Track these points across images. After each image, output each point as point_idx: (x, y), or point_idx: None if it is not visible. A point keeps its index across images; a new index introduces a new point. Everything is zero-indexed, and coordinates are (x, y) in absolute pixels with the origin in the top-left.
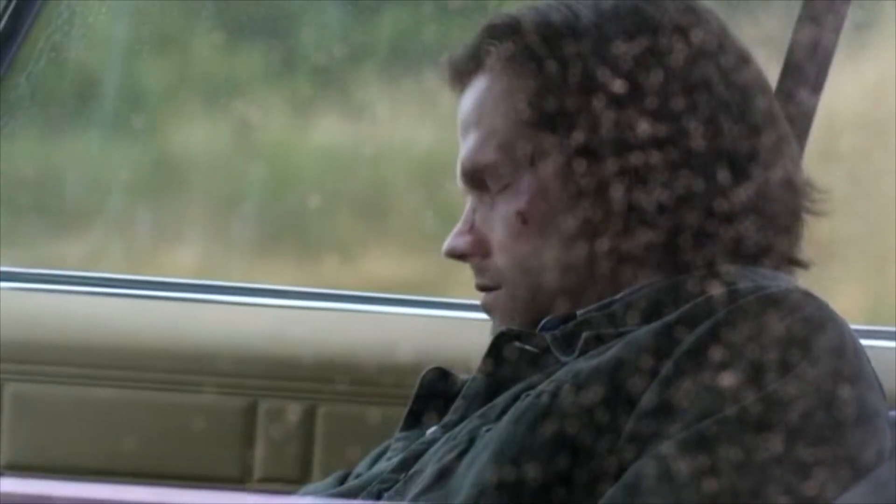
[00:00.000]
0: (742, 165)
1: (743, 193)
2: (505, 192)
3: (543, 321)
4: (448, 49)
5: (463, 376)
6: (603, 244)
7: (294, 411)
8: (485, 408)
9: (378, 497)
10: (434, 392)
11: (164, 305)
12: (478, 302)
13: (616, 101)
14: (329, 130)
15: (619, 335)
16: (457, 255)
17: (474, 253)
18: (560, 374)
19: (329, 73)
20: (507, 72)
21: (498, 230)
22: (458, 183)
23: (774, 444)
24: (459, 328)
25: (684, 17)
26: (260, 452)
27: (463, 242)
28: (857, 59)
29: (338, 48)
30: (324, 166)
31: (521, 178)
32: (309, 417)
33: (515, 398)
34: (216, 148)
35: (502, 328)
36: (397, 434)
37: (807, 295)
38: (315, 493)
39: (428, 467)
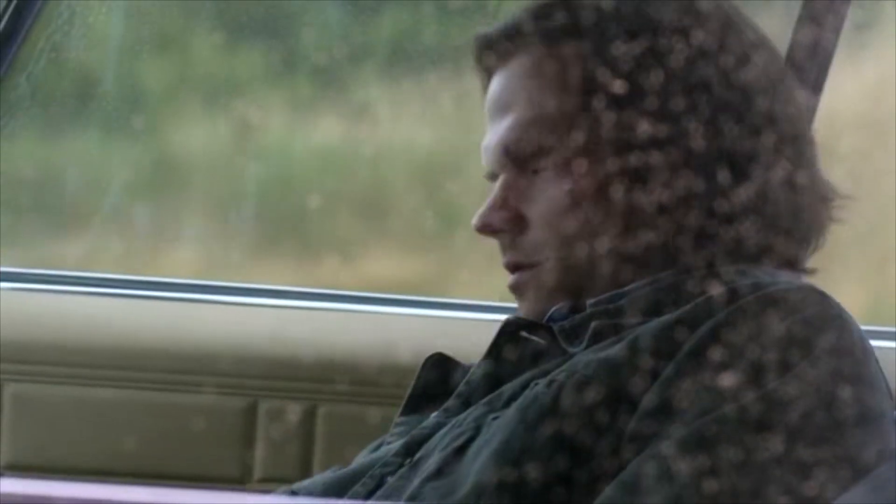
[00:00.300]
0: (742, 166)
1: (744, 193)
2: (547, 171)
3: (550, 311)
4: (447, 49)
5: (466, 363)
6: (607, 240)
7: (294, 411)
8: (491, 395)
9: (381, 481)
10: (435, 378)
11: (164, 305)
12: (478, 302)
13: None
14: (329, 130)
15: (627, 329)
16: (490, 229)
17: (509, 229)
18: (568, 364)
19: (329, 73)
20: (556, 53)
21: (542, 206)
22: (489, 161)
23: (774, 443)
24: (459, 328)
25: (685, 16)
26: (260, 452)
27: (498, 217)
28: (857, 59)
29: (338, 48)
30: (324, 166)
31: (566, 157)
32: (309, 417)
33: (524, 387)
34: (216, 148)
35: (511, 317)
36: (397, 419)
37: (813, 292)
38: (310, 490)
39: (434, 453)
